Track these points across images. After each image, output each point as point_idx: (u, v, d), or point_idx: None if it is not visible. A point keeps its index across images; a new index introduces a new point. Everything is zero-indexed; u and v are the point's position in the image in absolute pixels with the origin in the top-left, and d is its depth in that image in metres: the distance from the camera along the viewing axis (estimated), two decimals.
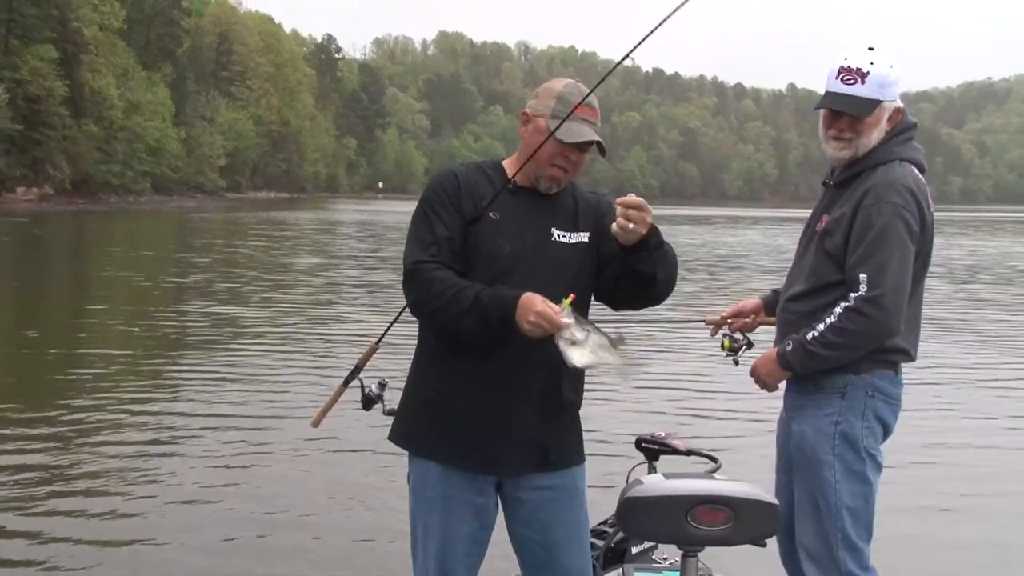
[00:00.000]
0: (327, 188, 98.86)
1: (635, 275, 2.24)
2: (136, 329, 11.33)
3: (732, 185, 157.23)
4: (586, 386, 2.44)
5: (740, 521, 1.98)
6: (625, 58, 2.43)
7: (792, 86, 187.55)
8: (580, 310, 2.21)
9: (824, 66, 2.68)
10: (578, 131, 2.26)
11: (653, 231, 2.16)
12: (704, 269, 20.96)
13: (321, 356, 9.14)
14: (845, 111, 2.62)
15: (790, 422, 2.73)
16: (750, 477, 2.24)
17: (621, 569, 2.95)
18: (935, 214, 2.67)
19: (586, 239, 2.35)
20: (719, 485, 2.03)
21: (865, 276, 2.52)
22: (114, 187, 56.55)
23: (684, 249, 28.64)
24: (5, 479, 5.20)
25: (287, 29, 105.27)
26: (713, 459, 3.00)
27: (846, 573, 2.59)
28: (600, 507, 2.69)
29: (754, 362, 2.77)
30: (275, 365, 8.76)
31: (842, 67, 2.62)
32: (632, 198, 2.12)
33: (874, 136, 2.63)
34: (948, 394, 8.23)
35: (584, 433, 2.45)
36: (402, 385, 2.44)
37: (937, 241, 2.73)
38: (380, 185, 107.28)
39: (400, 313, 2.56)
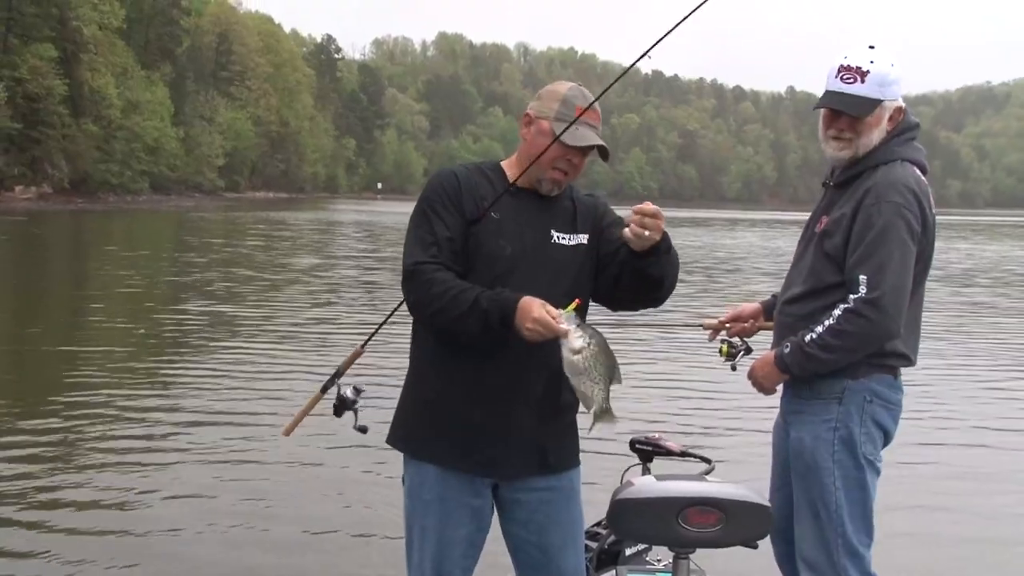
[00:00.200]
0: (326, 188, 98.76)
1: (644, 277, 2.25)
2: (134, 327, 11.33)
3: (731, 187, 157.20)
4: None
5: (731, 523, 1.99)
6: (639, 59, 2.42)
7: (791, 88, 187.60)
8: (579, 312, 2.21)
9: (824, 68, 2.65)
10: (583, 135, 2.27)
11: (663, 236, 2.18)
12: (702, 272, 20.96)
13: (319, 355, 9.17)
14: (844, 111, 2.57)
15: (787, 427, 2.70)
16: (745, 479, 2.26)
17: (615, 571, 2.94)
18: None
19: (585, 241, 2.36)
20: (709, 487, 2.04)
21: (864, 277, 2.47)
22: (113, 186, 56.48)
23: (683, 251, 28.58)
24: (5, 476, 5.22)
25: (287, 29, 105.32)
26: (707, 460, 3.00)
27: None
28: (594, 508, 2.69)
29: (751, 365, 2.73)
30: (273, 364, 8.78)
31: (842, 66, 2.57)
32: (649, 206, 2.14)
33: (875, 136, 2.58)
34: (942, 395, 8.23)
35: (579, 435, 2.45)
36: (381, 392, 2.42)
37: (935, 244, 2.68)
38: (379, 186, 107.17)
39: (387, 318, 2.55)
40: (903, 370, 2.65)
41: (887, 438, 2.62)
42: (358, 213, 54.03)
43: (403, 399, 2.40)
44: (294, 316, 12.24)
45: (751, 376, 2.71)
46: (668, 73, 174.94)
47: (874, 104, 2.55)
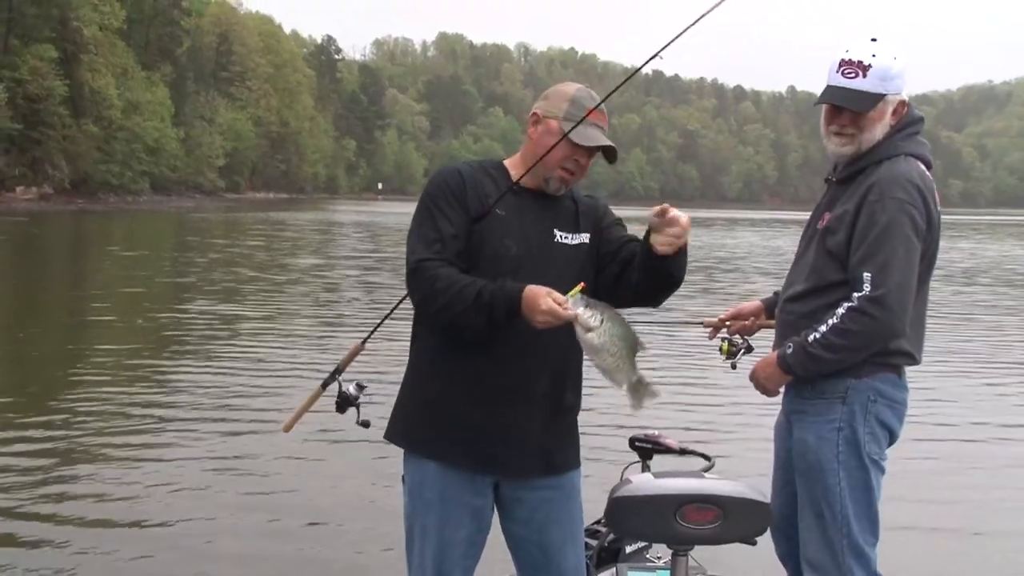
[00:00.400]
0: (326, 189, 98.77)
1: (663, 277, 2.27)
2: (135, 327, 11.34)
3: (731, 187, 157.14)
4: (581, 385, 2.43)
5: (729, 520, 1.98)
6: (652, 59, 2.41)
7: (792, 88, 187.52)
8: (570, 343, 2.21)
9: (825, 67, 2.59)
10: (592, 135, 2.28)
11: None
12: (702, 271, 20.96)
13: (319, 353, 9.18)
14: (846, 106, 2.52)
15: (790, 426, 2.67)
16: (745, 477, 2.26)
17: (615, 568, 2.94)
18: None
19: (587, 240, 2.36)
20: (707, 484, 2.03)
21: (868, 275, 2.42)
22: (113, 187, 56.48)
23: None
24: (7, 473, 5.25)
25: (287, 30, 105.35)
26: (707, 457, 3.00)
27: None
28: (594, 506, 2.70)
29: (754, 366, 2.68)
30: (274, 362, 8.82)
31: (843, 60, 2.52)
32: (680, 216, 2.16)
33: (877, 131, 2.53)
34: (941, 391, 8.23)
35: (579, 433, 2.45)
36: (382, 388, 2.43)
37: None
38: (379, 186, 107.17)
39: (387, 315, 2.56)
40: (908, 368, 2.61)
41: (892, 437, 2.58)
42: (358, 214, 54.04)
43: (402, 398, 2.39)
44: (295, 315, 12.26)
45: (753, 377, 2.66)
46: (668, 73, 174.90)
47: (876, 99, 2.50)
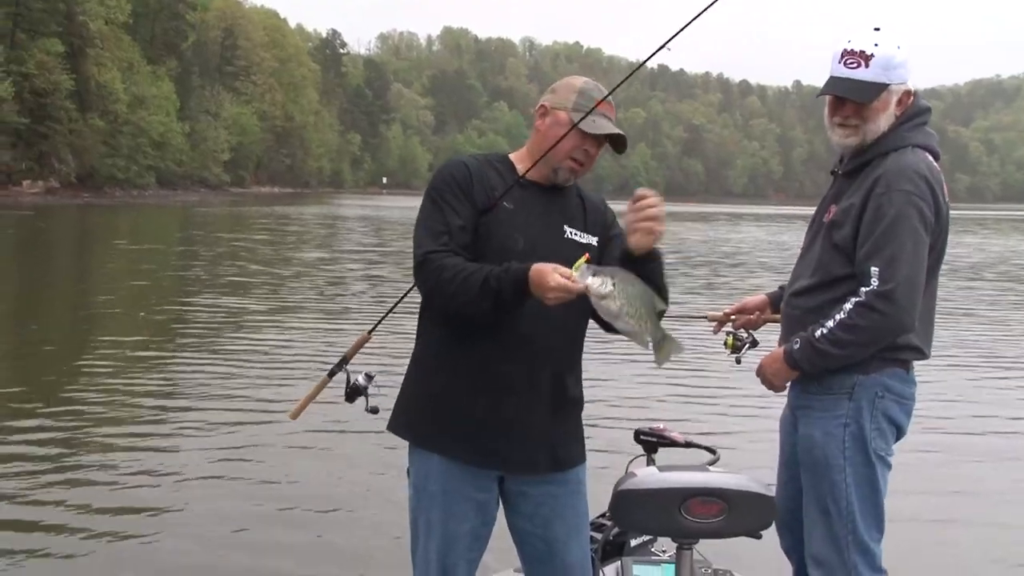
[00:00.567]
0: (331, 183, 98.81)
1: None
2: (142, 320, 11.37)
3: (737, 182, 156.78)
4: (584, 380, 2.43)
5: (734, 513, 1.98)
6: (661, 48, 2.39)
7: (798, 83, 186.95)
8: (578, 324, 2.22)
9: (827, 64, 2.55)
10: (601, 124, 2.28)
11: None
12: (706, 265, 20.93)
13: (324, 347, 9.19)
14: (848, 97, 2.49)
15: (795, 421, 2.64)
16: (751, 470, 2.25)
17: (620, 562, 2.94)
18: None
19: (595, 243, 2.35)
20: (712, 477, 2.03)
21: (876, 269, 2.38)
22: (119, 181, 56.61)
23: (687, 246, 28.60)
24: (13, 467, 5.28)
25: (292, 24, 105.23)
26: (712, 451, 3.00)
27: None
28: (599, 499, 2.70)
29: (760, 362, 2.65)
30: (280, 354, 8.84)
31: (845, 50, 2.48)
32: (649, 196, 2.12)
33: (882, 122, 2.49)
34: (946, 385, 8.23)
35: (584, 426, 2.45)
36: (389, 378, 2.43)
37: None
38: (384, 180, 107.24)
39: (395, 305, 2.56)
40: (916, 363, 2.58)
41: (899, 433, 2.56)
42: (363, 208, 54.08)
43: (405, 390, 2.38)
44: (300, 308, 12.28)
45: (760, 373, 2.63)
46: (674, 67, 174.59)
47: (879, 88, 2.47)
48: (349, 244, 25.93)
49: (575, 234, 2.33)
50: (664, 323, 2.13)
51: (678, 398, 7.56)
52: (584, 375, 2.43)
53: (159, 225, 34.35)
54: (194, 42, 74.75)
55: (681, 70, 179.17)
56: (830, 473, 2.51)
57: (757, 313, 2.91)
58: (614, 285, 2.02)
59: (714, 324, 2.99)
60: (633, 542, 3.02)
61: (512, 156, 2.41)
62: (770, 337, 2.84)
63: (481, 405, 2.26)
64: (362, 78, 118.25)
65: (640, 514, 2.05)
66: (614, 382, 7.26)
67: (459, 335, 2.27)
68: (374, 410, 2.49)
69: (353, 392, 2.52)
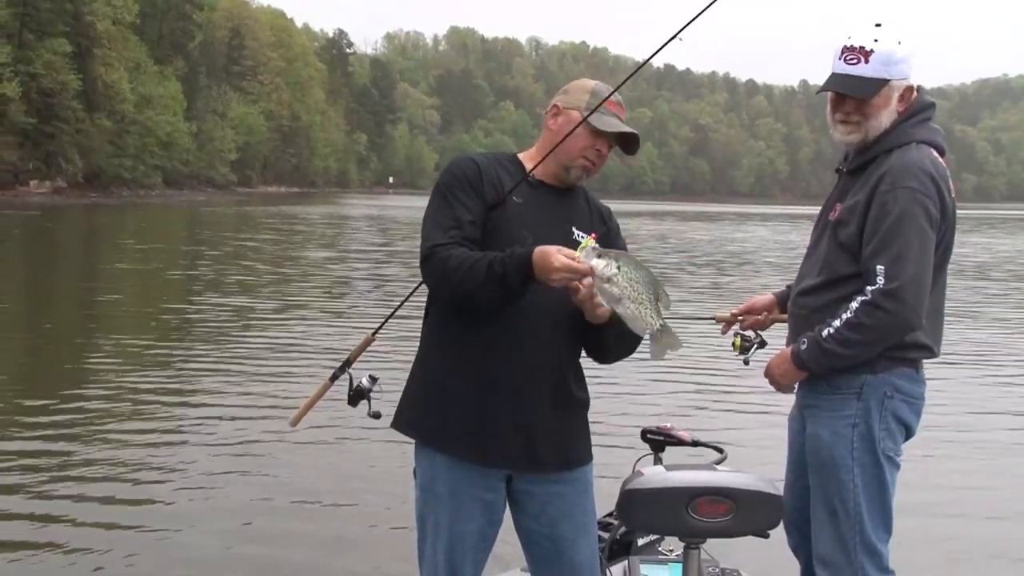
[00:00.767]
0: (337, 183, 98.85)
1: (599, 345, 2.31)
2: (148, 319, 11.41)
3: (743, 182, 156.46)
4: (592, 379, 2.44)
5: (741, 512, 1.97)
6: (672, 39, 2.39)
7: (804, 82, 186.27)
8: (572, 337, 2.23)
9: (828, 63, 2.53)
10: (614, 122, 2.30)
11: None
12: (713, 265, 20.90)
13: (331, 345, 9.20)
14: (848, 93, 2.48)
15: (803, 420, 2.64)
16: (758, 469, 2.25)
17: (627, 561, 2.94)
18: None
19: None
20: (719, 476, 2.02)
21: (882, 267, 2.37)
22: (126, 181, 56.74)
23: (693, 245, 28.57)
24: (27, 462, 5.33)
25: (298, 24, 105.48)
26: (719, 450, 3.00)
27: None
28: (606, 499, 2.70)
29: (768, 362, 2.64)
30: (285, 354, 8.86)
31: (845, 46, 2.47)
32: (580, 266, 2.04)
33: (884, 118, 2.48)
34: (952, 382, 8.21)
35: (591, 425, 2.45)
36: (393, 381, 2.43)
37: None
38: (390, 180, 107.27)
39: (398, 307, 2.55)
40: (926, 361, 2.56)
41: (908, 433, 2.54)
42: (369, 208, 54.12)
43: (411, 390, 2.38)
44: (306, 308, 12.31)
45: (768, 374, 2.62)
46: (680, 67, 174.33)
47: (880, 84, 2.45)
48: (355, 244, 25.96)
49: (582, 236, 2.33)
50: (671, 323, 2.12)
51: (685, 397, 7.55)
52: (591, 374, 2.43)
53: (166, 225, 34.43)
54: (201, 42, 74.85)
55: (687, 70, 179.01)
56: (838, 473, 2.49)
57: (765, 313, 2.89)
58: (618, 268, 2.00)
59: (722, 325, 2.97)
60: (640, 541, 3.02)
61: (521, 156, 2.42)
62: (778, 337, 2.82)
63: (485, 403, 2.26)
64: (368, 78, 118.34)
65: (647, 513, 2.05)
66: (621, 381, 7.26)
67: (462, 332, 2.27)
68: (376, 415, 2.48)
69: (356, 396, 2.52)
